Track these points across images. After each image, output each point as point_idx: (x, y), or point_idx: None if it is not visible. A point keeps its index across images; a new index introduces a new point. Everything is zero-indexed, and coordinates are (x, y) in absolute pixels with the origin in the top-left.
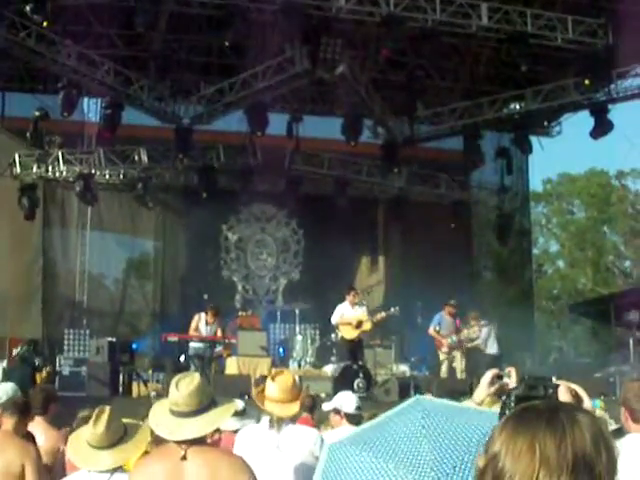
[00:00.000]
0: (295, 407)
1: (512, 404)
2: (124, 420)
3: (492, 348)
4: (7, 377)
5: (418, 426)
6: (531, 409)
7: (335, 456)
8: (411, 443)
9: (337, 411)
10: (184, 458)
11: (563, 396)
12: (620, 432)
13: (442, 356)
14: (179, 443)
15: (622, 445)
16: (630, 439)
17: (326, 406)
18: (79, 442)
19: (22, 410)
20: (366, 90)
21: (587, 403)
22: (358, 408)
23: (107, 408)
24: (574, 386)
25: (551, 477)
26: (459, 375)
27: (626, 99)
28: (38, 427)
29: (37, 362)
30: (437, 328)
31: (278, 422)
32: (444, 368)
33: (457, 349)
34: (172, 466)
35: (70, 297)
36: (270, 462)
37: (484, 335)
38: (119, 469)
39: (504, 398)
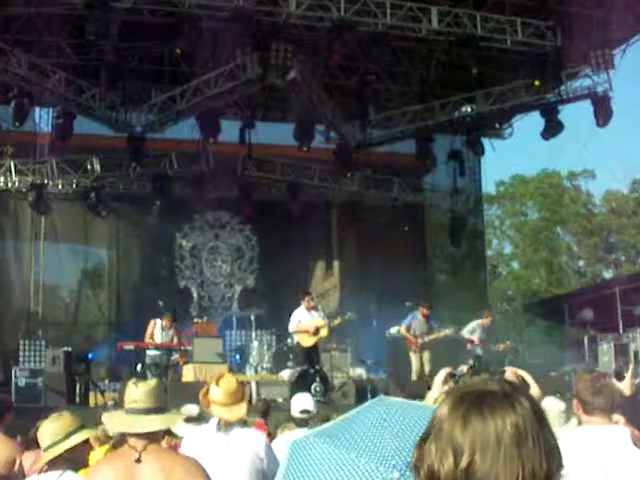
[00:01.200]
0: (241, 409)
1: None
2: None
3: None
4: None
5: (380, 419)
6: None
7: (298, 450)
8: (372, 435)
9: (307, 411)
10: (138, 460)
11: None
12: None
13: (412, 356)
14: (133, 446)
15: (575, 436)
16: (581, 430)
17: (294, 411)
18: (117, 417)
19: None
20: (318, 95)
21: (534, 389)
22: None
23: (59, 412)
24: (521, 372)
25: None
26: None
27: (576, 100)
28: None
29: None
30: (408, 327)
31: (225, 425)
32: (414, 368)
33: (427, 349)
34: (126, 468)
35: (25, 308)
36: (220, 461)
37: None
38: (68, 470)
39: (451, 383)
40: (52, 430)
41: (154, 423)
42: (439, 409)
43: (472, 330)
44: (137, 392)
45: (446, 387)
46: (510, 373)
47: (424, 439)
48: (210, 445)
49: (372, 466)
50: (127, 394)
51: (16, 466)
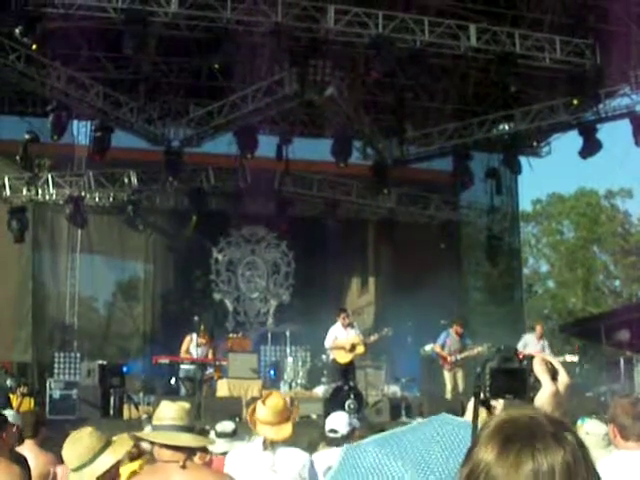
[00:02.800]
0: (288, 429)
1: (487, 376)
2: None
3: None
4: None
5: (433, 434)
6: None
7: (349, 455)
8: (423, 448)
9: (334, 431)
10: (184, 466)
11: (537, 367)
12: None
13: (446, 374)
14: (173, 459)
15: (611, 461)
16: (618, 456)
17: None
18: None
19: None
20: (355, 111)
21: (563, 375)
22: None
23: (84, 429)
24: (550, 358)
25: None
26: (461, 392)
27: (614, 118)
28: (28, 450)
29: (10, 384)
30: (442, 345)
31: (272, 444)
32: (448, 387)
33: (460, 367)
34: None
35: (60, 320)
36: None
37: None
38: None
39: (478, 370)
40: (78, 452)
41: (190, 439)
42: (483, 452)
43: (524, 345)
44: (171, 411)
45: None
46: (539, 360)
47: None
48: (255, 464)
49: (415, 476)
50: (161, 411)
51: (50, 478)
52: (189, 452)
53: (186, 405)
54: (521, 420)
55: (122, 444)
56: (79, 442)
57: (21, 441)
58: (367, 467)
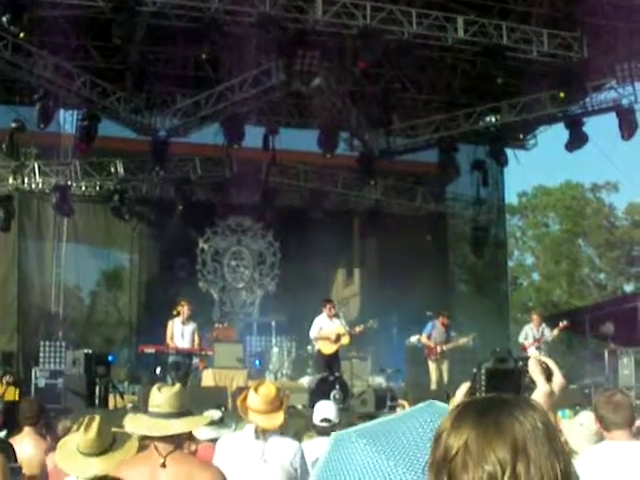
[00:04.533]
0: (279, 417)
1: (482, 377)
2: (113, 429)
3: None
4: None
5: (426, 428)
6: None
7: (339, 446)
8: (415, 443)
9: (327, 420)
10: (163, 465)
11: (532, 368)
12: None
13: (431, 365)
14: (158, 450)
15: (594, 452)
16: (602, 447)
17: (316, 418)
18: (67, 449)
19: None
20: (342, 102)
21: (558, 376)
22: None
23: (98, 416)
24: (545, 359)
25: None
26: (446, 384)
27: (601, 112)
28: (28, 438)
29: None
30: (428, 336)
31: (263, 433)
32: (433, 378)
33: (446, 358)
34: (150, 472)
35: (45, 309)
36: (255, 469)
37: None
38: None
39: (475, 371)
40: (89, 442)
41: (175, 426)
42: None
43: (525, 336)
44: (160, 397)
45: None
46: (534, 360)
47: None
48: (246, 453)
49: (408, 477)
50: (151, 398)
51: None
52: (176, 441)
53: (175, 389)
54: (485, 399)
55: (131, 447)
56: (91, 432)
57: (20, 429)
58: (358, 462)
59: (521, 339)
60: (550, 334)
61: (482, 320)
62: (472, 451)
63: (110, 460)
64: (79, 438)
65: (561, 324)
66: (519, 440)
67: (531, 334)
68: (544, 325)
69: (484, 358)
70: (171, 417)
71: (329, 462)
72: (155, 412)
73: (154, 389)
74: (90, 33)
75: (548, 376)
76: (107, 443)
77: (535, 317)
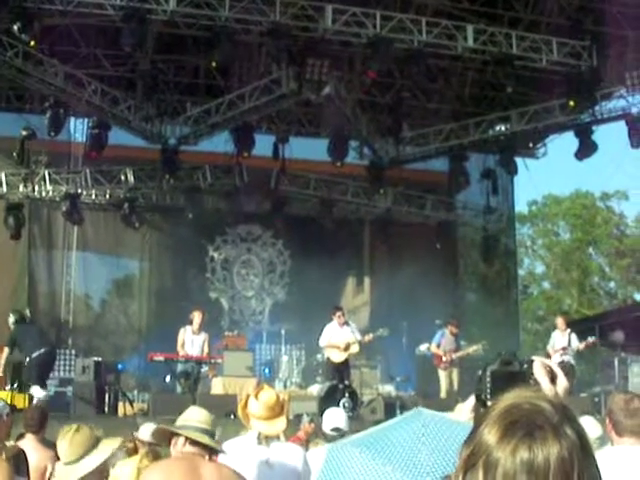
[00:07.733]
0: (282, 423)
1: (488, 379)
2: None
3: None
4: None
5: (418, 434)
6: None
7: (335, 457)
8: (409, 449)
9: (337, 429)
10: (211, 460)
11: (537, 371)
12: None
13: (441, 373)
14: (197, 453)
15: (604, 456)
16: (612, 451)
17: (326, 427)
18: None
19: None
20: (352, 111)
21: (561, 379)
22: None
23: (75, 426)
24: (549, 362)
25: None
26: (456, 392)
27: (610, 120)
28: (30, 445)
29: None
30: (438, 345)
31: (266, 439)
32: (443, 386)
33: (455, 366)
34: (193, 469)
35: (55, 317)
36: (259, 475)
37: None
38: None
39: (480, 372)
40: (67, 450)
41: (217, 443)
42: (487, 435)
43: (553, 344)
44: (199, 414)
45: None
46: (539, 363)
47: (468, 464)
48: (250, 459)
49: None
50: (188, 414)
51: (47, 475)
52: (210, 452)
53: (211, 414)
54: (526, 407)
55: (109, 442)
56: (71, 438)
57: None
58: (356, 471)
59: (549, 347)
60: (577, 344)
61: (492, 329)
62: (493, 458)
63: (85, 466)
64: (59, 449)
65: (590, 339)
66: (528, 468)
67: (559, 339)
68: (569, 331)
69: (490, 360)
70: (207, 434)
71: (326, 472)
72: (194, 426)
73: (192, 407)
74: (100, 41)
75: (552, 379)
76: (82, 451)
77: (560, 321)
